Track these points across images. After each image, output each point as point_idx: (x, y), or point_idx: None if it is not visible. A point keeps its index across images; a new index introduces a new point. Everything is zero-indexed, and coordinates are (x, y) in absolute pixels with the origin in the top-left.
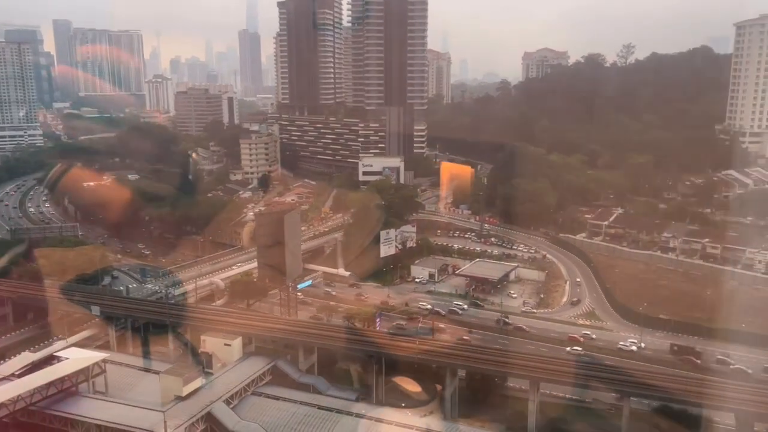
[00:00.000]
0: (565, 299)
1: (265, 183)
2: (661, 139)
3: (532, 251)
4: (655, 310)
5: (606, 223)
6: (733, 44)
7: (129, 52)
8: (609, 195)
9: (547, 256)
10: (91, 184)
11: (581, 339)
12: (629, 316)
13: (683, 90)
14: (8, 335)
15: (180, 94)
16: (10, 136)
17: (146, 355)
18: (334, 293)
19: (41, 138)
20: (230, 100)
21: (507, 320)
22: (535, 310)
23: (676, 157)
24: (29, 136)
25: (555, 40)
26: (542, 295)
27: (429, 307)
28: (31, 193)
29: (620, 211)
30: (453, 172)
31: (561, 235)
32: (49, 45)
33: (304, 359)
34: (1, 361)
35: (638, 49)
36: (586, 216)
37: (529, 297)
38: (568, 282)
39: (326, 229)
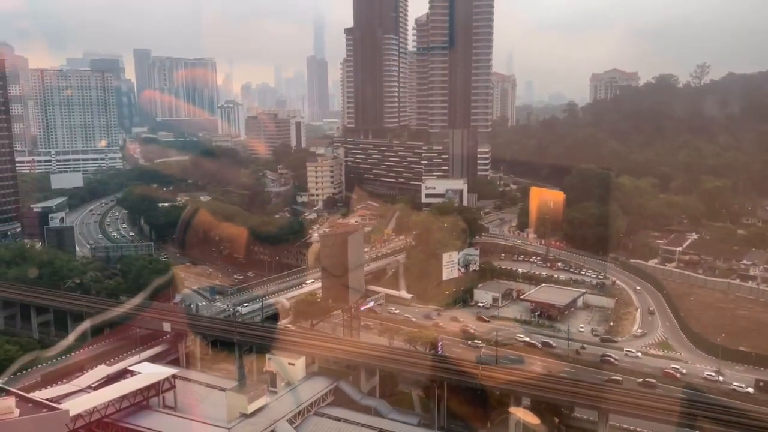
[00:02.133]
0: (635, 327)
1: (329, 205)
2: (739, 162)
3: (601, 277)
4: (734, 342)
5: (680, 249)
6: None
7: (203, 78)
8: (682, 220)
9: (617, 282)
10: (165, 204)
11: (678, 376)
12: (705, 347)
13: (762, 111)
14: (86, 348)
15: (250, 119)
16: (92, 159)
17: (214, 371)
18: (413, 319)
19: (120, 161)
20: (298, 124)
21: (611, 357)
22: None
23: (756, 181)
24: (110, 159)
25: (624, 61)
26: (612, 323)
27: (527, 339)
28: (110, 213)
29: (695, 236)
30: (543, 198)
31: (631, 260)
32: (129, 73)
33: (366, 381)
34: (79, 374)
35: (713, 69)
36: (659, 241)
37: (598, 324)
38: (639, 310)
39: (389, 251)
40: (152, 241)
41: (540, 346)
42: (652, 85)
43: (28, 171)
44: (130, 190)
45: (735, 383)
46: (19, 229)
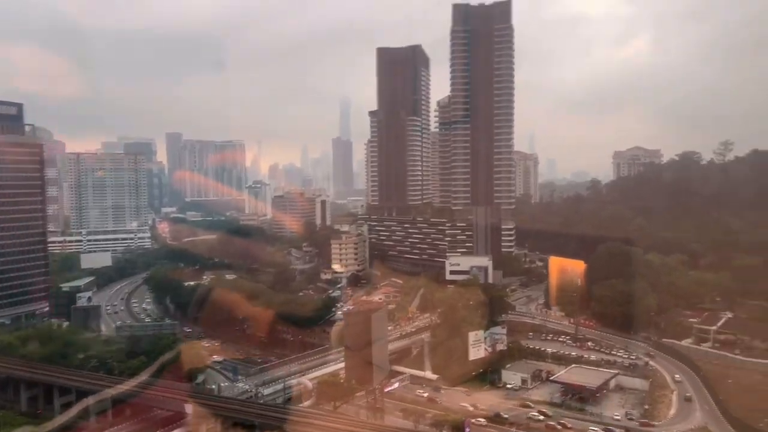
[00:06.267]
0: (672, 412)
1: (353, 282)
2: None
3: (633, 357)
4: None
5: (714, 328)
6: None
7: (232, 159)
8: (715, 298)
9: (650, 362)
10: (191, 283)
11: None
12: None
13: None
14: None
15: (277, 198)
16: (122, 239)
17: None
18: (439, 401)
19: (149, 240)
20: (323, 202)
21: None
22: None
23: None
24: (139, 238)
25: (646, 138)
26: (647, 406)
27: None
28: (137, 292)
29: (729, 315)
30: (562, 266)
31: (664, 340)
32: (161, 155)
33: None
34: None
35: (737, 146)
36: (691, 320)
37: (633, 408)
38: (675, 392)
39: (413, 329)
40: (178, 321)
41: None
42: (675, 162)
43: (59, 251)
44: (157, 270)
45: None
46: (47, 309)
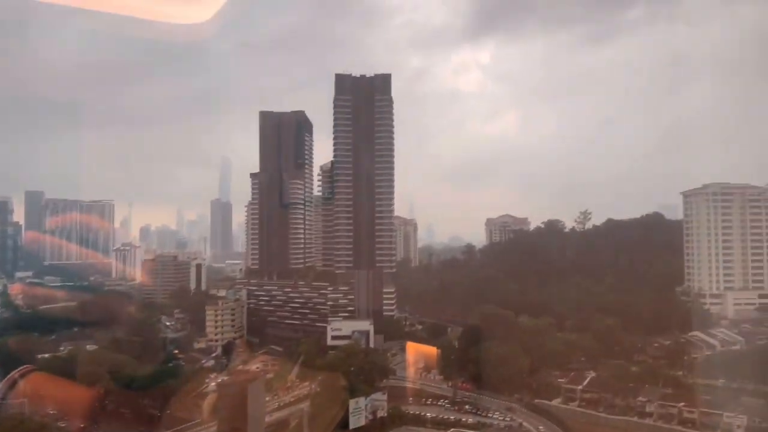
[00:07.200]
0: None
1: (229, 350)
2: (625, 301)
3: (508, 419)
4: None
5: (580, 387)
6: (683, 211)
7: (99, 221)
8: (580, 358)
9: (524, 423)
10: (45, 356)
11: None
12: None
13: (640, 254)
14: None
15: (147, 261)
16: None
17: None
18: None
19: None
20: (198, 266)
21: None
22: None
23: (642, 319)
24: None
25: (515, 207)
26: None
27: None
28: None
29: (593, 374)
30: (419, 351)
31: (536, 400)
32: (19, 215)
33: None
34: None
35: (594, 215)
36: (560, 380)
37: None
38: None
39: (292, 399)
40: (26, 397)
41: None
42: (541, 229)
43: None
44: (4, 341)
45: None
46: None
